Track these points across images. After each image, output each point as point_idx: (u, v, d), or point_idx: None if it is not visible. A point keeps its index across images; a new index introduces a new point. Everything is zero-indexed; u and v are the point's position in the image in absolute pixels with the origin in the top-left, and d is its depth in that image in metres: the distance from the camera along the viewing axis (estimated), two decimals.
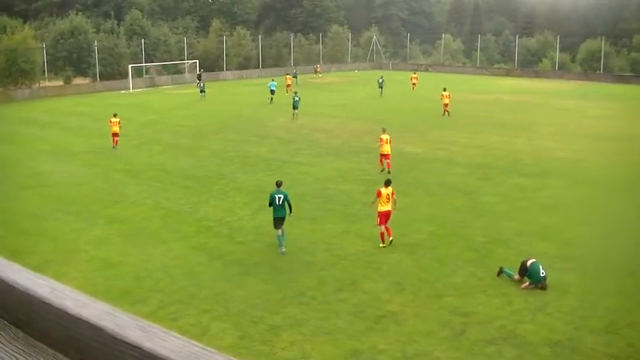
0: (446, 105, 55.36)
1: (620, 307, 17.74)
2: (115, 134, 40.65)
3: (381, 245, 22.60)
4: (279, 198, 21.80)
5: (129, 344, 1.54)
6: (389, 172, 32.12)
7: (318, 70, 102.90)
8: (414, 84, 78.32)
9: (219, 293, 18.23)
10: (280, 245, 21.80)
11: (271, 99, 63.63)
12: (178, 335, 1.56)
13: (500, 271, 19.60)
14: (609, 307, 17.73)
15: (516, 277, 19.17)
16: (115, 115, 41.08)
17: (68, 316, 1.67)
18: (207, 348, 1.50)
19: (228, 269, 20.23)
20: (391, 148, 33.68)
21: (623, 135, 47.12)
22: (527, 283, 18.87)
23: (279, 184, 22.43)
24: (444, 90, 55.88)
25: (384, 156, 33.59)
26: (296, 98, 53.28)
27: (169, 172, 33.91)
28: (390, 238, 22.74)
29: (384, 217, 22.76)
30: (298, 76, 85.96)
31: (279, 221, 21.84)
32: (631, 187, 31.82)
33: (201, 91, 69.80)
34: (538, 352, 15.13)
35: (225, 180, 31.99)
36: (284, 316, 16.76)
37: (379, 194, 22.77)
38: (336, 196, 28.99)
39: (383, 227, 22.76)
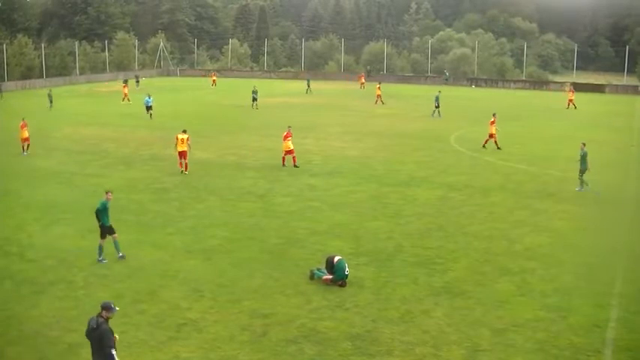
0: (379, 96, 71.29)
1: (412, 296, 18.71)
2: (24, 139, 41.73)
3: (180, 170, 34.63)
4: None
5: None
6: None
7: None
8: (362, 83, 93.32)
9: (11, 316, 17.42)
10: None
11: (151, 115, 58.70)
12: None
13: (312, 275, 19.99)
14: (403, 297, 18.66)
15: (326, 277, 19.61)
16: (23, 119, 42.10)
17: None
18: None
19: (20, 289, 19.38)
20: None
21: (405, 132, 49.43)
22: (330, 278, 19.41)
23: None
24: (379, 83, 77.67)
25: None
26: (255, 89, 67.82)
27: None
28: (181, 169, 34.62)
29: (181, 155, 34.52)
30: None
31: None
32: (411, 181, 33.49)
33: None
34: (339, 346, 15.64)
35: (12, 196, 30.48)
36: (82, 333, 16.27)
37: (176, 138, 34.53)
38: (127, 206, 28.41)
39: (182, 161, 34.60)
